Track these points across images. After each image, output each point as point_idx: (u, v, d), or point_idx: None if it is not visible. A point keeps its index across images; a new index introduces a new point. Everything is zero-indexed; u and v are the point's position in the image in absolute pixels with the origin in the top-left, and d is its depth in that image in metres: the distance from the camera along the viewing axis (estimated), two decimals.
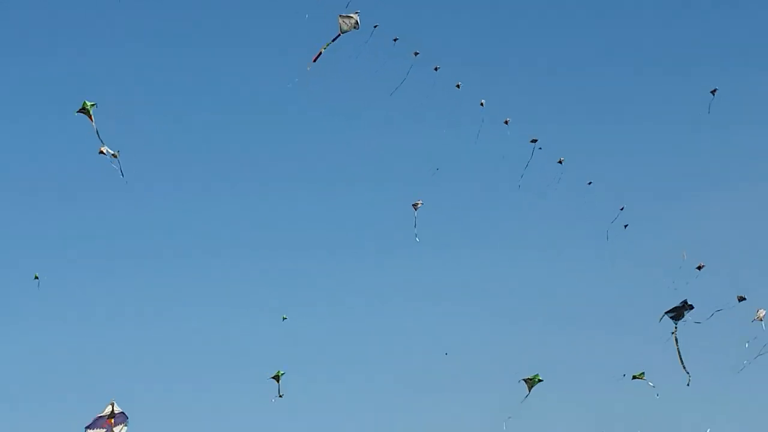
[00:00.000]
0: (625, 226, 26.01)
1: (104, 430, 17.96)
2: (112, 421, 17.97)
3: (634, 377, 21.52)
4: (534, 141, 24.81)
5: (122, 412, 18.14)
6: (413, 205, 24.61)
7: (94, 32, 49.94)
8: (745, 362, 22.77)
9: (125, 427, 18.08)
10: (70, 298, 43.50)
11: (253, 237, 49.13)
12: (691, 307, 21.77)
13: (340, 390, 41.94)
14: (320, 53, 22.57)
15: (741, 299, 22.47)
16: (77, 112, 19.46)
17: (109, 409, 18.05)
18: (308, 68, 22.38)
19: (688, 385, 21.70)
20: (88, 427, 18.02)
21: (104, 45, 49.92)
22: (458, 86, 25.70)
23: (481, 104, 25.18)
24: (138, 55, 49.50)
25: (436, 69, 25.66)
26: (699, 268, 22.32)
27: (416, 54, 25.30)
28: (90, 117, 19.46)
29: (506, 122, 25.11)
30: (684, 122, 43.88)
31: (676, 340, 21.72)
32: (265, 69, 50.30)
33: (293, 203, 50.45)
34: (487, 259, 47.46)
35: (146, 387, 40.23)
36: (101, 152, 19.66)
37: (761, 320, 21.90)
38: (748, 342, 22.56)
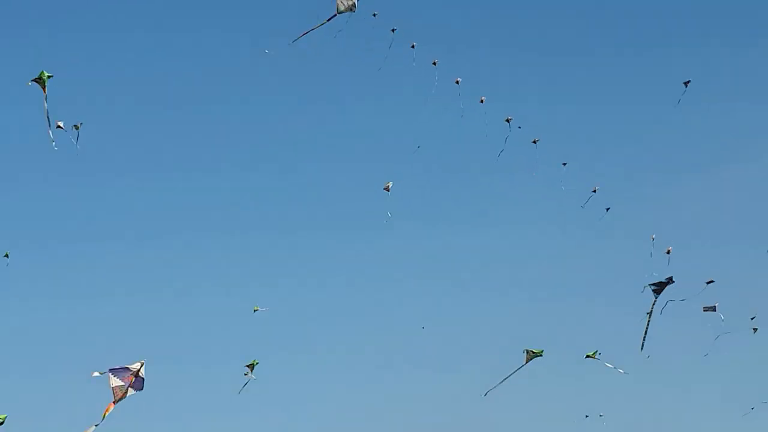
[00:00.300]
0: (607, 209, 26.11)
1: (124, 383, 17.62)
2: (133, 379, 17.65)
3: (588, 356, 21.63)
4: (508, 120, 24.84)
5: (143, 380, 17.84)
6: (384, 188, 24.46)
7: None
8: (715, 340, 22.99)
9: (133, 393, 17.76)
10: (36, 279, 43.69)
11: (228, 215, 49.18)
12: (673, 282, 21.88)
13: (318, 365, 42.27)
14: (311, 30, 22.47)
15: (709, 282, 22.67)
16: (32, 81, 19.16)
17: (136, 366, 17.73)
18: (291, 43, 22.26)
19: (647, 356, 21.88)
20: (112, 370, 17.70)
21: (66, 16, 49.72)
22: (435, 63, 25.66)
23: (457, 82, 25.18)
24: (104, 28, 49.43)
25: (413, 46, 25.59)
26: (668, 252, 22.46)
27: (393, 31, 25.19)
28: (44, 88, 19.17)
29: (482, 101, 25.10)
30: (658, 105, 44.17)
31: (649, 317, 21.85)
32: (243, 46, 50.29)
33: (270, 182, 50.46)
34: (464, 235, 47.86)
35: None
36: (59, 126, 19.47)
37: (715, 310, 22.10)
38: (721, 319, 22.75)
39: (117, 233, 45.94)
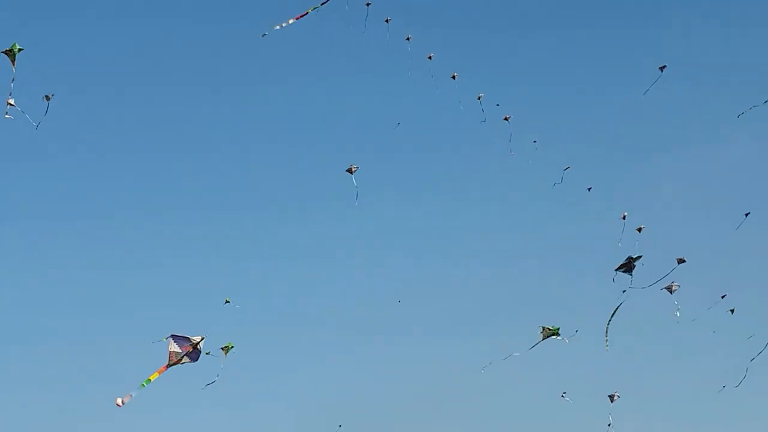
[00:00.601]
0: (589, 189, 26.03)
1: (181, 351, 18.19)
2: (191, 349, 18.20)
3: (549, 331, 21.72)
4: (479, 98, 24.67)
5: (200, 353, 18.43)
6: (348, 169, 24.01)
7: None
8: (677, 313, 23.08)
9: (187, 362, 18.38)
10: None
11: (201, 194, 48.99)
12: (639, 257, 21.89)
13: (293, 344, 42.29)
14: (306, 13, 22.36)
15: (681, 261, 22.72)
16: (2, 52, 18.85)
17: (196, 339, 18.27)
18: (280, 26, 22.13)
19: (606, 348, 21.92)
20: (174, 336, 18.30)
21: None
22: (408, 39, 25.47)
23: (429, 58, 24.99)
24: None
25: (387, 21, 25.38)
26: (639, 230, 22.43)
27: (368, 5, 24.94)
28: (13, 61, 18.90)
29: (453, 77, 24.91)
30: (631, 83, 44.32)
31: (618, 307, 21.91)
32: (219, 24, 49.84)
33: (246, 161, 50.23)
34: (438, 210, 48.12)
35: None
36: (9, 104, 19.15)
37: (671, 292, 22.19)
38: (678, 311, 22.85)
39: (82, 211, 45.88)
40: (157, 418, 36.36)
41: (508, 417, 38.51)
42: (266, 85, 49.44)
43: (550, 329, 21.15)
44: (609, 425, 25.24)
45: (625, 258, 21.94)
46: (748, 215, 23.83)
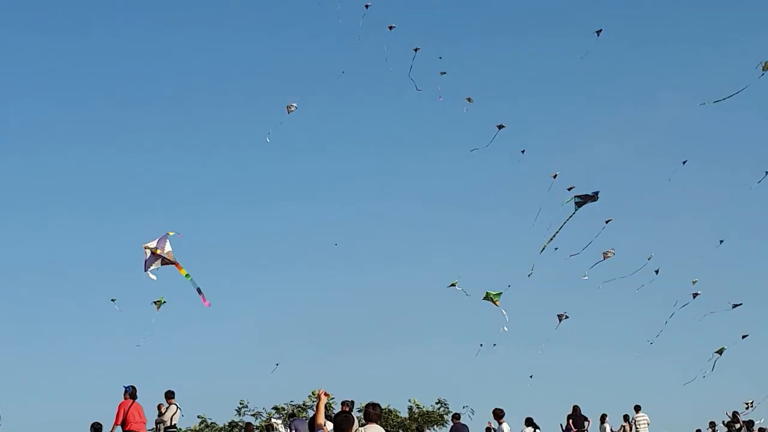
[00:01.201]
0: (522, 151, 26.13)
1: (159, 260, 18.88)
2: (158, 251, 18.80)
3: (451, 285, 22.18)
4: (416, 50, 24.40)
5: (160, 238, 18.95)
6: (287, 107, 23.85)
7: None
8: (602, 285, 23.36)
9: (168, 241, 18.98)
10: None
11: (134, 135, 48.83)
12: (597, 198, 22.01)
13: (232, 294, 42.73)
14: None
15: (608, 221, 22.96)
16: None
17: (148, 252, 18.92)
18: None
19: (529, 275, 22.25)
20: (146, 267, 18.99)
21: None
22: None
23: (366, 7, 24.62)
24: None
25: None
26: (569, 189, 22.46)
27: None
28: None
29: (390, 28, 24.59)
30: (572, 47, 44.76)
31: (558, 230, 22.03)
32: None
33: (182, 105, 50.03)
34: (378, 157, 48.90)
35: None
36: None
37: (607, 258, 22.39)
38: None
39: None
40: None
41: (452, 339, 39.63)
42: (212, 34, 49.31)
43: (493, 298, 21.54)
44: (531, 377, 25.82)
45: (592, 192, 22.02)
46: (685, 163, 24.21)
